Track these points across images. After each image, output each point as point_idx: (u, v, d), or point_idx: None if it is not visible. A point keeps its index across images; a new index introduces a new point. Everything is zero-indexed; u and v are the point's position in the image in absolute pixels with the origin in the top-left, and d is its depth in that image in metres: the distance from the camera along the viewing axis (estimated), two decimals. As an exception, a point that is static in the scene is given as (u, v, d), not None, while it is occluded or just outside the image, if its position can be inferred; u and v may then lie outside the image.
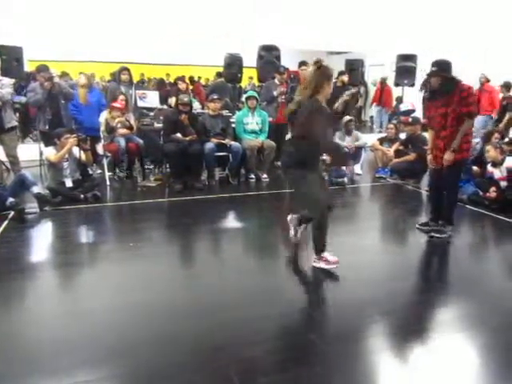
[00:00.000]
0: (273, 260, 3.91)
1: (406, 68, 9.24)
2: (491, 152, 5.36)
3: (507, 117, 8.60)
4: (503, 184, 5.25)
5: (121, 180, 6.46)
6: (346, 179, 6.54)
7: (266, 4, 9.37)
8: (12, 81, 6.40)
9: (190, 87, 11.14)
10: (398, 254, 4.16)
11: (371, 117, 13.40)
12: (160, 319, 2.77)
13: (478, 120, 7.55)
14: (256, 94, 6.91)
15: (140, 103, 6.89)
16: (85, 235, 4.59)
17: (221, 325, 2.69)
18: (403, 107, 8.86)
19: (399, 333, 2.72)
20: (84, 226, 4.80)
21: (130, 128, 6.28)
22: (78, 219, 4.90)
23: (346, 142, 7.15)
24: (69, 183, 5.29)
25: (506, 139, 6.46)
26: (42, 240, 4.38)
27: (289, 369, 2.31)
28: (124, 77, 6.82)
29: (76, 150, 5.37)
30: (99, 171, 6.59)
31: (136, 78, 10.78)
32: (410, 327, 2.76)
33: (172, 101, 7.52)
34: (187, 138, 6.06)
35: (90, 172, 5.94)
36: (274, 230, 4.78)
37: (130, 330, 2.65)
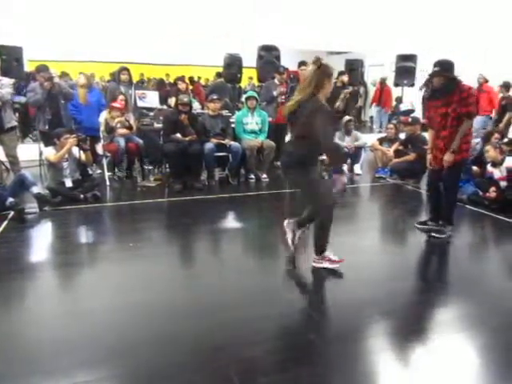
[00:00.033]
0: (273, 260, 3.91)
1: (405, 68, 9.24)
2: (491, 152, 5.36)
3: (507, 117, 8.60)
4: (503, 184, 5.25)
5: (120, 180, 6.46)
6: (345, 179, 6.55)
7: (266, 4, 9.37)
8: (12, 81, 6.40)
9: (190, 87, 11.14)
10: (398, 254, 4.16)
11: (371, 117, 13.41)
12: (160, 319, 2.77)
13: (477, 120, 7.55)
14: (256, 94, 6.91)
15: (140, 103, 6.89)
16: (84, 235, 4.59)
17: (221, 325, 2.69)
18: (403, 107, 8.86)
19: (399, 333, 2.72)
20: (84, 226, 4.80)
21: (130, 128, 6.28)
22: (77, 219, 4.90)
23: (345, 142, 7.17)
24: (68, 183, 5.29)
25: (506, 139, 6.46)
26: (41, 240, 4.38)
27: (289, 369, 2.31)
28: (124, 77, 6.82)
29: (76, 150, 5.37)
30: (99, 171, 6.60)
31: (136, 78, 10.78)
32: (410, 327, 2.76)
33: (172, 101, 7.52)
34: (187, 138, 6.06)
35: (90, 172, 5.94)
36: (273, 230, 4.77)
37: (130, 330, 2.65)
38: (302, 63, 7.44)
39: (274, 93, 7.17)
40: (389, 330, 2.76)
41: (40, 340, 2.56)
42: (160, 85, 11.57)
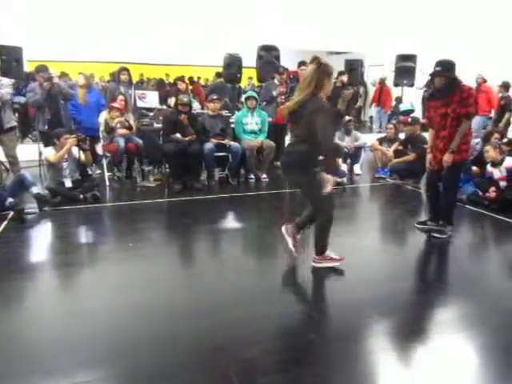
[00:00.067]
0: (272, 260, 3.90)
1: (405, 68, 9.24)
2: (490, 152, 5.36)
3: (506, 116, 8.61)
4: (503, 184, 5.25)
5: (120, 180, 6.46)
6: (345, 179, 6.56)
7: (266, 4, 9.37)
8: (11, 81, 6.40)
9: (190, 87, 11.14)
10: (398, 254, 4.16)
11: (370, 117, 13.42)
12: (160, 319, 2.77)
13: (476, 120, 7.56)
14: (255, 94, 6.91)
15: (139, 103, 6.89)
16: (84, 235, 4.58)
17: (221, 325, 2.69)
18: (402, 107, 8.86)
19: (399, 333, 2.72)
20: (83, 226, 4.80)
21: (130, 128, 6.28)
22: (77, 219, 4.90)
23: (345, 142, 7.17)
24: (68, 183, 5.29)
25: (505, 139, 6.46)
26: (41, 240, 4.38)
27: (289, 369, 2.31)
28: (123, 77, 6.82)
29: (75, 150, 5.37)
30: (98, 171, 6.59)
31: (135, 79, 10.78)
32: (410, 327, 2.76)
33: (171, 101, 7.52)
34: (187, 139, 6.06)
35: (90, 172, 5.93)
36: (273, 230, 4.76)
37: (130, 330, 2.65)
38: (302, 63, 7.43)
39: (274, 93, 7.17)
40: (389, 329, 2.76)
41: (40, 340, 2.56)
42: (160, 85, 11.58)
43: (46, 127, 6.07)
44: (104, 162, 6.22)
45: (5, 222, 4.49)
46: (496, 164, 5.34)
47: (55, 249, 4.11)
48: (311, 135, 3.16)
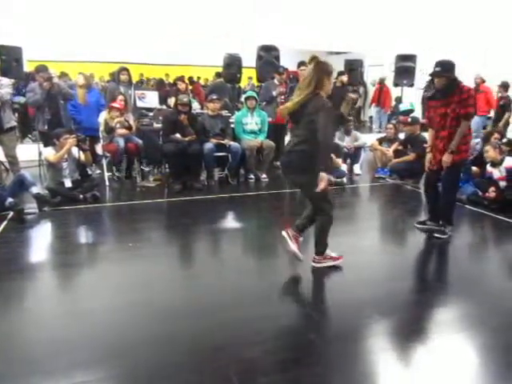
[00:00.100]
0: (272, 260, 3.91)
1: (405, 68, 9.24)
2: (490, 152, 5.36)
3: (505, 116, 8.62)
4: (502, 184, 5.25)
5: (120, 180, 6.46)
6: (345, 179, 6.56)
7: (266, 4, 9.38)
8: (11, 81, 6.40)
9: (190, 87, 11.14)
10: (398, 254, 4.16)
11: (370, 117, 13.42)
12: (160, 319, 2.77)
13: (475, 121, 7.56)
14: (255, 95, 6.91)
15: (139, 103, 6.89)
16: (84, 235, 4.58)
17: (221, 325, 2.69)
18: (402, 107, 8.86)
19: (399, 333, 2.72)
20: (83, 226, 4.80)
21: (129, 128, 6.28)
22: (77, 219, 4.90)
23: (345, 142, 7.18)
24: (68, 183, 5.29)
25: (505, 139, 6.46)
26: (41, 240, 4.38)
27: (289, 369, 2.31)
28: (123, 77, 6.82)
29: (75, 151, 5.37)
30: (98, 171, 6.59)
31: (135, 79, 10.78)
32: (410, 327, 2.76)
33: (171, 101, 7.52)
34: (186, 139, 6.05)
35: (89, 172, 5.93)
36: (273, 230, 4.77)
37: (130, 330, 2.65)
38: (302, 63, 7.43)
39: (274, 93, 7.17)
40: (389, 329, 2.76)
41: (40, 340, 2.56)
42: (159, 85, 11.57)
43: (46, 127, 6.07)
44: (104, 162, 6.22)
45: (4, 222, 4.49)
46: (496, 164, 5.34)
47: (55, 249, 4.11)
48: (312, 135, 3.14)
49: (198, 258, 4.07)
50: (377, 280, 3.41)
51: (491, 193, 5.22)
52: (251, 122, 6.58)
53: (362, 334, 2.66)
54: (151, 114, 7.01)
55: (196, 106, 8.02)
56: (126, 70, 6.95)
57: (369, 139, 8.04)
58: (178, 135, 6.08)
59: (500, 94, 8.92)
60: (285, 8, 9.47)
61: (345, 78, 7.93)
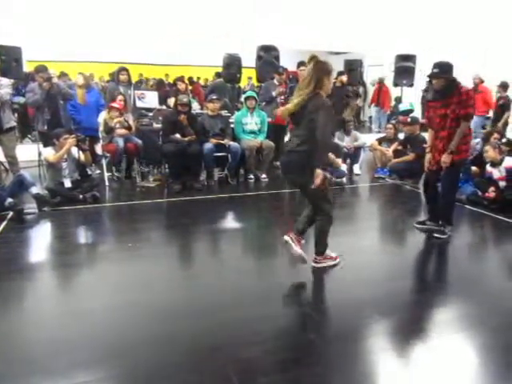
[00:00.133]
0: (272, 260, 3.91)
1: (404, 68, 9.25)
2: (490, 152, 5.36)
3: (505, 116, 8.62)
4: (502, 184, 5.25)
5: (120, 180, 6.46)
6: (344, 179, 6.56)
7: (266, 4, 9.38)
8: (11, 81, 6.40)
9: (189, 87, 11.13)
10: (397, 254, 4.16)
11: (370, 117, 13.41)
12: (159, 319, 2.77)
13: (474, 120, 7.56)
14: (255, 95, 6.91)
15: (139, 103, 6.88)
16: (84, 236, 4.58)
17: (220, 325, 2.69)
18: (402, 107, 8.86)
19: (398, 333, 2.72)
20: (83, 226, 4.80)
21: (129, 128, 6.28)
22: (76, 220, 4.90)
23: (345, 142, 7.18)
24: (68, 183, 5.29)
25: (504, 139, 6.47)
26: (40, 240, 4.37)
27: (289, 369, 2.31)
28: (123, 77, 6.81)
29: (75, 151, 5.37)
30: (98, 171, 6.59)
31: (135, 79, 10.77)
32: (409, 327, 2.76)
33: (171, 101, 7.52)
34: (186, 139, 6.05)
35: (89, 172, 5.93)
36: (273, 230, 4.78)
37: (130, 330, 2.65)
38: (301, 63, 7.43)
39: (273, 93, 7.17)
40: (388, 329, 2.76)
41: (39, 340, 2.56)
42: (159, 85, 11.56)
43: (46, 127, 6.07)
44: (103, 162, 6.22)
45: (4, 223, 4.49)
46: (495, 164, 5.34)
47: (55, 249, 4.10)
48: (312, 134, 3.13)
49: (197, 258, 4.07)
50: (377, 280, 3.41)
51: (491, 193, 5.22)
52: (251, 122, 6.58)
53: (361, 334, 2.66)
54: (151, 114, 7.01)
55: (196, 106, 8.02)
56: (126, 70, 6.95)
57: (368, 139, 8.04)
58: (177, 135, 6.08)
59: (499, 94, 8.92)
60: (285, 8, 9.47)
61: (344, 78, 7.93)
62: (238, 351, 2.44)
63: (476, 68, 9.29)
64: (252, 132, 6.59)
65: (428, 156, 4.26)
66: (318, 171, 3.11)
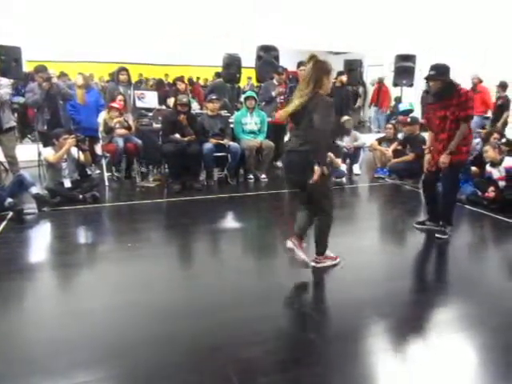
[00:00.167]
0: (272, 260, 3.91)
1: (404, 68, 9.25)
2: (490, 152, 5.37)
3: (504, 116, 8.62)
4: (502, 184, 5.25)
5: (119, 180, 6.46)
6: (344, 179, 6.56)
7: (266, 4, 9.37)
8: (10, 81, 6.40)
9: (189, 87, 11.13)
10: (397, 254, 4.16)
11: (370, 117, 13.41)
12: (159, 319, 2.77)
13: (473, 120, 7.56)
14: (255, 95, 6.91)
15: (138, 103, 6.88)
16: (83, 236, 4.58)
17: (220, 325, 2.69)
18: (402, 107, 8.86)
19: (398, 333, 2.72)
20: (83, 226, 4.79)
21: (129, 128, 6.28)
22: (76, 220, 4.89)
23: (344, 142, 7.17)
24: (67, 184, 5.29)
25: (504, 139, 6.47)
26: (40, 240, 4.37)
27: (289, 369, 2.31)
28: (122, 77, 6.81)
29: (74, 151, 5.37)
30: (98, 171, 6.59)
31: (134, 79, 10.76)
32: (409, 327, 2.76)
33: (171, 101, 7.51)
34: (186, 139, 6.05)
35: (89, 172, 5.93)
36: (273, 230, 4.78)
37: (129, 330, 2.65)
38: (301, 63, 7.44)
39: (273, 93, 7.17)
40: (388, 329, 2.76)
41: (39, 340, 2.56)
42: (159, 85, 11.56)
43: (45, 127, 6.07)
44: (103, 162, 6.22)
45: (4, 223, 4.48)
46: (495, 164, 5.35)
47: (54, 249, 4.10)
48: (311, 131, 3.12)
49: (197, 258, 4.07)
50: (376, 280, 3.41)
51: (490, 193, 5.22)
52: (250, 122, 6.58)
53: (362, 334, 2.66)
54: (150, 114, 7.01)
55: (195, 106, 8.02)
56: (126, 70, 6.94)
57: (368, 139, 8.04)
58: (177, 135, 6.08)
59: (498, 94, 8.92)
60: (285, 8, 9.47)
61: (344, 78, 7.93)
62: (238, 351, 2.44)
63: (476, 68, 9.29)
64: (252, 132, 6.59)
65: (427, 157, 4.26)
66: (317, 167, 3.10)
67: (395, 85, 9.70)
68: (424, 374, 2.30)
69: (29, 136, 8.61)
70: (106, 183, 6.12)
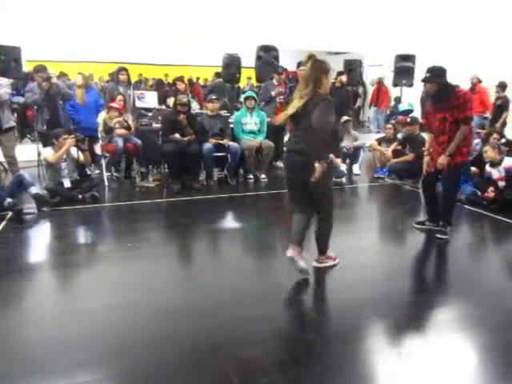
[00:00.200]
0: (272, 260, 3.91)
1: (404, 68, 9.25)
2: (489, 152, 5.37)
3: (503, 116, 8.62)
4: (501, 184, 5.26)
5: (119, 180, 6.46)
6: (344, 179, 6.56)
7: (266, 4, 9.37)
8: (10, 81, 6.39)
9: (189, 87, 11.12)
10: (397, 254, 4.17)
11: (369, 117, 13.41)
12: (159, 319, 2.76)
13: (473, 121, 7.56)
14: (254, 95, 6.91)
15: (138, 103, 6.88)
16: (83, 236, 4.58)
17: (220, 325, 2.69)
18: (401, 107, 8.87)
19: (398, 333, 2.72)
20: (82, 226, 4.79)
21: (128, 128, 6.27)
22: (76, 220, 4.89)
23: (344, 142, 7.17)
24: (67, 183, 5.28)
25: (504, 139, 6.47)
26: (40, 240, 4.37)
27: (289, 369, 2.31)
28: (122, 77, 6.81)
29: (74, 151, 5.37)
30: (97, 171, 6.59)
31: (134, 79, 10.76)
32: (409, 327, 2.76)
33: (170, 101, 7.51)
34: (185, 139, 6.05)
35: (88, 172, 5.92)
36: (273, 230, 4.78)
37: (129, 330, 2.64)
38: (301, 63, 7.43)
39: (273, 93, 7.17)
40: (388, 329, 2.76)
41: (39, 340, 2.56)
42: (159, 85, 11.56)
43: (45, 127, 6.07)
44: (103, 162, 6.21)
45: (3, 223, 4.48)
46: (495, 164, 5.35)
47: (54, 249, 4.10)
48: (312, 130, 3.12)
49: (197, 258, 4.07)
50: (376, 280, 3.42)
51: (490, 193, 5.23)
52: (250, 122, 6.58)
53: (361, 334, 2.66)
54: (150, 114, 7.01)
55: (195, 106, 8.02)
56: (125, 70, 6.94)
57: (368, 139, 8.04)
58: (177, 135, 6.08)
59: (498, 94, 8.92)
60: (285, 8, 9.46)
61: (344, 78, 7.93)
62: (238, 351, 2.44)
63: (475, 68, 9.29)
64: (251, 132, 6.59)
65: (427, 159, 4.26)
66: (317, 165, 3.08)
67: (395, 85, 9.70)
68: (424, 374, 2.30)
69: (28, 136, 8.61)
70: (106, 183, 6.12)
